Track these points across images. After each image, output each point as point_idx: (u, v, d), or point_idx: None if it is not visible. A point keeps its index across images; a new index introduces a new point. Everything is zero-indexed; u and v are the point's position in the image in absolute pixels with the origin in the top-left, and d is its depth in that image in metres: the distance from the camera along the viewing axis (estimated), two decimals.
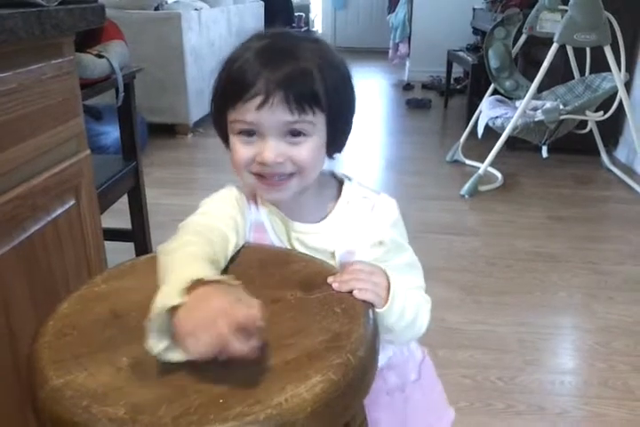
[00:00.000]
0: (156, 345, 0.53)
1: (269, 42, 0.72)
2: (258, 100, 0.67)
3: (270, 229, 0.79)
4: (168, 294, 0.55)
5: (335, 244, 0.76)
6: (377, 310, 0.67)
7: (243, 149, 0.72)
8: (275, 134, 0.70)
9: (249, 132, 0.71)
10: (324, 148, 0.74)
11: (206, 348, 0.51)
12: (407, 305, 0.72)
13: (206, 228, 0.71)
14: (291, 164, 0.71)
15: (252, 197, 0.80)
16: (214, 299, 0.54)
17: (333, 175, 0.82)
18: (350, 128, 0.78)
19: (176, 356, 0.53)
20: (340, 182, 0.81)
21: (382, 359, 0.85)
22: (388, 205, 0.78)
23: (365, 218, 0.76)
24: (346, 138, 0.78)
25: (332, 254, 0.76)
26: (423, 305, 0.77)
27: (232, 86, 0.70)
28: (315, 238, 0.77)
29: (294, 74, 0.68)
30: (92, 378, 0.53)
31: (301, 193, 0.76)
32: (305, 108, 0.68)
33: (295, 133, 0.70)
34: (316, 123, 0.71)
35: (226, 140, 0.76)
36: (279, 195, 0.74)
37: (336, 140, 0.76)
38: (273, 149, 0.70)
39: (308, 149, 0.71)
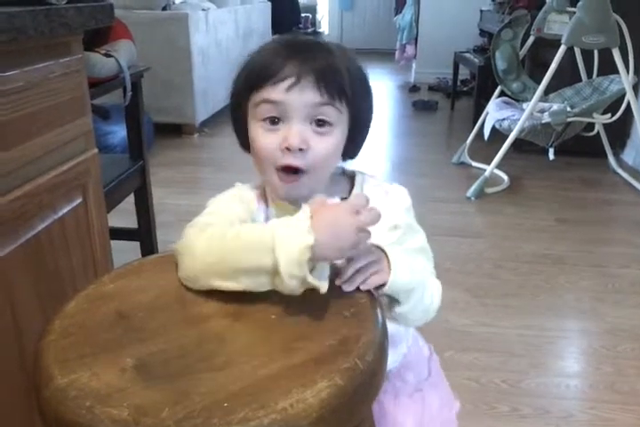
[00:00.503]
0: (319, 280, 0.59)
1: (294, 38, 0.74)
2: (288, 81, 0.68)
3: None
4: (297, 240, 0.58)
5: None
6: (385, 287, 0.66)
7: (266, 138, 0.71)
8: (301, 119, 0.69)
9: (273, 119, 0.70)
10: (342, 146, 0.74)
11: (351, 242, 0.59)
12: (413, 268, 0.70)
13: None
14: (310, 156, 0.70)
15: (262, 197, 0.79)
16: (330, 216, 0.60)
17: (343, 173, 0.82)
18: (367, 134, 0.78)
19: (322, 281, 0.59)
20: (351, 177, 0.81)
21: (398, 357, 0.86)
22: (401, 191, 0.79)
23: (380, 203, 0.74)
24: (362, 142, 0.78)
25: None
26: (430, 281, 0.76)
27: (259, 72, 0.70)
28: None
29: (326, 63, 0.69)
30: (96, 378, 0.53)
31: (315, 192, 0.75)
32: (333, 93, 0.69)
33: (320, 123, 0.70)
34: (343, 112, 0.71)
35: (242, 138, 0.76)
36: (296, 192, 0.73)
37: (355, 141, 0.76)
38: (298, 134, 0.69)
39: (332, 140, 0.71)
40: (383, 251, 0.68)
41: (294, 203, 0.77)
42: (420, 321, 0.76)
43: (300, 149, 0.69)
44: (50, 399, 0.52)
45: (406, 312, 0.71)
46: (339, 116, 0.71)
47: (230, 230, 0.64)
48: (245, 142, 0.77)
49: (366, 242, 0.64)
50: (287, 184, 0.72)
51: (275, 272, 0.60)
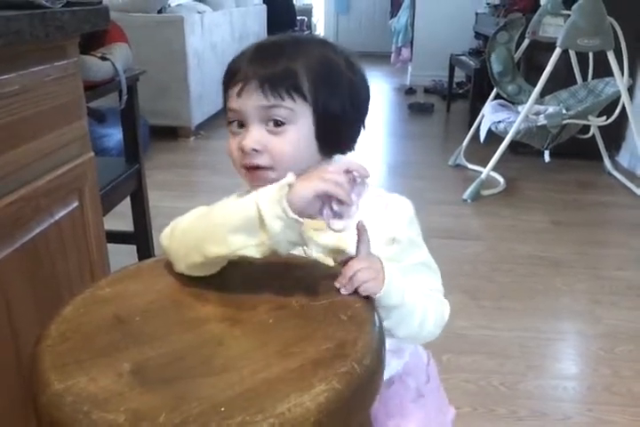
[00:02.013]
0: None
1: (269, 39, 0.76)
2: (238, 86, 0.72)
3: None
4: (274, 187, 0.61)
5: (348, 241, 0.75)
6: (377, 295, 0.66)
7: (231, 141, 0.75)
8: (255, 121, 0.72)
9: (238, 123, 0.74)
10: (309, 142, 0.74)
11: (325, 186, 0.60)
12: (408, 290, 0.70)
13: None
14: (268, 156, 0.72)
15: None
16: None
17: None
18: (352, 129, 0.78)
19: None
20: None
21: (399, 365, 0.85)
22: (402, 203, 0.78)
23: (379, 216, 0.76)
24: (341, 137, 0.78)
25: (345, 252, 0.75)
26: (430, 302, 0.75)
27: (224, 77, 0.75)
28: (327, 236, 0.75)
29: (276, 65, 0.71)
30: (93, 383, 0.53)
31: None
32: (282, 94, 0.71)
33: (276, 122, 0.72)
34: (297, 111, 0.72)
35: None
36: (262, 185, 0.73)
37: (327, 136, 0.75)
38: (252, 136, 0.72)
39: (288, 139, 0.73)
40: (381, 262, 0.68)
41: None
42: (408, 339, 0.75)
43: (256, 150, 0.72)
44: (47, 405, 0.52)
45: (391, 327, 0.71)
46: (293, 115, 0.72)
47: (216, 205, 0.67)
48: None
49: (368, 245, 0.66)
50: (254, 180, 0.74)
51: (260, 222, 0.60)
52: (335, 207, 0.63)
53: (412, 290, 0.72)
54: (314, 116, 0.73)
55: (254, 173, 0.74)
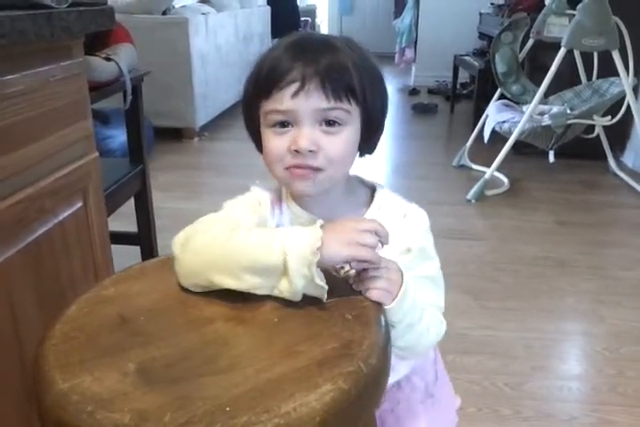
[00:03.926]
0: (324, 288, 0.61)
1: (301, 37, 0.73)
2: (294, 87, 0.67)
3: None
4: (306, 240, 0.60)
5: None
6: (385, 307, 0.65)
7: (276, 141, 0.71)
8: (310, 122, 0.69)
9: (283, 124, 0.70)
10: (357, 144, 0.73)
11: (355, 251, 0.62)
12: (417, 304, 0.70)
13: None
14: (322, 156, 0.69)
15: (278, 201, 0.79)
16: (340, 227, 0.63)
17: (362, 182, 0.81)
18: (382, 128, 0.77)
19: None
20: (371, 189, 0.80)
21: (407, 368, 0.84)
22: (420, 214, 0.78)
23: (397, 225, 0.75)
24: (378, 138, 0.77)
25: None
26: (432, 318, 0.74)
27: (266, 77, 0.69)
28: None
29: (331, 63, 0.68)
30: (97, 383, 0.52)
31: (332, 196, 0.75)
32: (341, 95, 0.68)
33: (330, 122, 0.69)
34: (352, 112, 0.70)
35: (257, 140, 0.76)
36: (309, 189, 0.72)
37: (370, 137, 0.75)
38: (307, 136, 0.69)
39: (343, 140, 0.70)
40: (402, 276, 0.68)
41: (309, 209, 0.76)
42: (405, 352, 0.74)
43: (311, 151, 0.69)
44: (51, 404, 0.52)
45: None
46: (348, 117, 0.70)
47: (240, 231, 0.65)
48: (260, 146, 0.76)
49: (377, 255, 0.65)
50: (300, 180, 0.71)
51: (282, 272, 0.60)
52: (356, 265, 0.65)
53: (419, 306, 0.71)
54: (362, 116, 0.72)
55: (300, 174, 0.71)
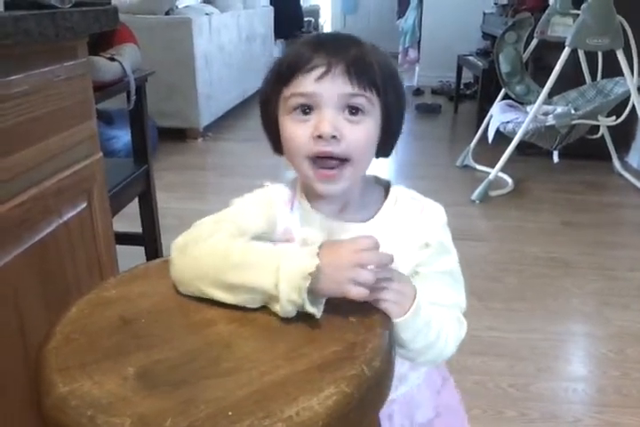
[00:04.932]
0: (317, 309, 0.60)
1: (324, 33, 0.73)
2: (319, 71, 0.66)
3: (298, 233, 0.75)
4: (300, 265, 0.59)
5: (380, 245, 0.73)
6: (394, 320, 0.64)
7: (297, 128, 0.68)
8: (332, 108, 0.67)
9: (304, 109, 0.68)
10: (377, 140, 0.72)
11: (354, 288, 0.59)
12: (431, 324, 0.68)
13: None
14: (345, 145, 0.67)
15: (290, 199, 0.77)
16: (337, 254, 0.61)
17: (377, 180, 0.80)
18: (400, 131, 0.75)
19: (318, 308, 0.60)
20: (386, 186, 0.79)
21: (418, 378, 0.82)
22: (437, 208, 0.76)
23: (414, 220, 0.74)
24: (395, 140, 0.76)
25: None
26: (451, 327, 0.72)
27: (290, 63, 0.68)
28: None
29: (356, 54, 0.67)
30: (97, 387, 0.52)
31: (346, 195, 0.74)
32: (365, 84, 0.67)
33: (353, 110, 0.68)
34: (374, 103, 0.69)
35: (273, 139, 0.74)
36: (334, 187, 0.70)
37: (388, 138, 0.73)
38: (330, 121, 0.66)
39: (365, 129, 0.69)
40: (415, 291, 0.66)
41: (321, 208, 0.75)
42: (421, 359, 0.73)
43: (333, 137, 0.67)
44: (51, 408, 0.51)
45: (403, 354, 0.70)
46: (371, 107, 0.69)
47: (237, 244, 0.64)
48: (277, 145, 0.74)
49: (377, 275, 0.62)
50: (323, 178, 0.69)
51: (274, 294, 0.60)
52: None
53: (436, 323, 0.69)
54: (382, 113, 0.70)
55: (326, 175, 0.69)
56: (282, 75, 0.69)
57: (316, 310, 0.60)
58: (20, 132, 0.91)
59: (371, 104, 0.68)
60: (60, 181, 1.02)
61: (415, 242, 0.73)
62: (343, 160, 0.68)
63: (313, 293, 0.60)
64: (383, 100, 0.69)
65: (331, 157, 0.68)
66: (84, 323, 0.62)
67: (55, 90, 0.99)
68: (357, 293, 0.59)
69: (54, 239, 1.00)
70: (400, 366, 0.76)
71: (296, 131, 0.68)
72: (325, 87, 0.66)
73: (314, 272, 0.58)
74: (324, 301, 0.61)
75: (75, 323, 0.62)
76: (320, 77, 0.66)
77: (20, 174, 0.91)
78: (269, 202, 0.76)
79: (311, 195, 0.75)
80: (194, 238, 0.67)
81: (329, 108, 0.67)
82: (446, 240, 0.76)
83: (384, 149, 0.75)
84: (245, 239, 0.67)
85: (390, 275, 0.64)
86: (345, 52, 0.67)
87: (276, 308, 0.61)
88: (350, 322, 0.61)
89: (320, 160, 0.68)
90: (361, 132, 0.68)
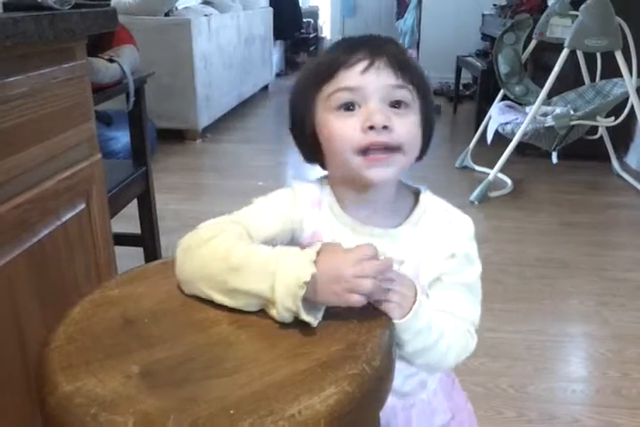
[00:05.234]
0: (313, 318, 0.59)
1: (358, 35, 0.73)
2: (363, 64, 0.66)
3: (328, 237, 0.73)
4: (296, 272, 0.58)
5: (406, 252, 0.72)
6: (395, 321, 0.64)
7: (344, 123, 0.67)
8: (378, 100, 0.66)
9: (348, 106, 0.67)
10: (420, 136, 0.71)
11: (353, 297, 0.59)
12: (432, 327, 0.68)
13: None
14: (396, 135, 0.66)
15: (318, 200, 0.75)
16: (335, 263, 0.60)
17: (406, 185, 0.79)
18: (432, 134, 0.74)
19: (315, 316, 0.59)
20: (416, 192, 0.78)
21: (433, 383, 0.81)
22: (465, 220, 0.76)
23: (442, 230, 0.74)
24: (429, 142, 0.75)
25: (401, 263, 0.71)
26: (457, 337, 0.72)
27: (330, 59, 0.68)
28: (385, 245, 0.68)
29: (397, 50, 0.68)
30: (101, 385, 0.52)
31: (378, 198, 0.73)
32: (407, 76, 0.67)
33: (396, 104, 0.67)
34: (415, 99, 0.69)
35: (305, 148, 0.73)
36: (384, 171, 0.68)
37: (424, 137, 0.72)
38: (380, 112, 0.66)
39: (411, 121, 0.68)
40: (415, 293, 0.66)
41: (351, 211, 0.73)
42: (419, 361, 0.72)
43: (385, 127, 0.65)
44: (55, 406, 0.52)
45: (407, 355, 0.70)
46: (413, 101, 0.68)
47: (239, 247, 0.63)
48: (310, 153, 0.74)
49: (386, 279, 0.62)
50: (375, 163, 0.67)
51: (270, 301, 0.59)
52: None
53: (437, 327, 0.69)
54: (420, 109, 0.70)
55: (377, 159, 0.67)
56: (322, 73, 0.68)
57: (313, 319, 0.59)
58: (19, 133, 0.91)
59: (412, 99, 0.68)
60: (59, 183, 1.02)
61: (442, 252, 0.73)
62: (395, 149, 0.67)
63: (310, 301, 0.59)
64: (421, 97, 0.70)
65: (382, 149, 0.67)
66: (87, 322, 0.62)
67: (54, 91, 0.99)
68: (356, 301, 0.59)
69: (53, 241, 1.00)
70: (419, 372, 0.77)
71: (343, 125, 0.67)
72: (370, 80, 0.66)
73: (310, 281, 0.57)
74: (323, 308, 0.61)
75: (78, 323, 0.62)
76: (365, 69, 0.66)
77: (19, 175, 0.91)
78: (294, 202, 0.74)
79: (340, 198, 0.74)
80: (199, 239, 0.66)
81: (374, 100, 0.66)
82: (472, 252, 0.76)
83: (424, 152, 0.75)
84: (248, 242, 0.66)
85: (391, 276, 0.64)
86: (385, 46, 0.68)
87: (273, 313, 0.60)
88: (351, 322, 0.61)
89: (372, 152, 0.67)
90: (408, 124, 0.68)
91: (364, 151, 0.67)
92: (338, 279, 0.59)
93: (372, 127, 0.65)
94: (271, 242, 0.69)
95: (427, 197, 0.77)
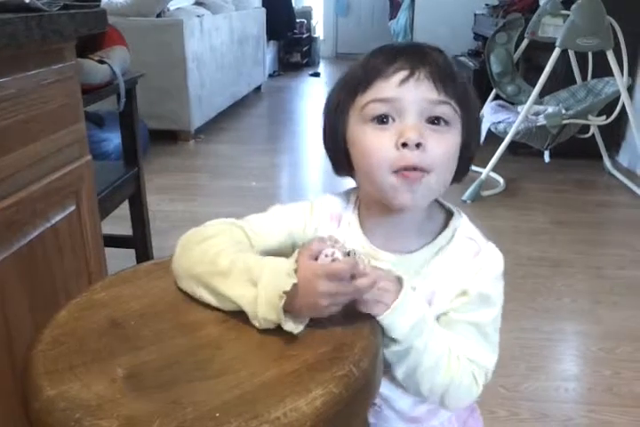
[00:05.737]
0: (295, 326, 0.57)
1: (400, 42, 0.69)
2: (402, 74, 0.61)
3: None
4: (276, 282, 0.57)
5: (421, 280, 0.67)
6: (378, 318, 0.61)
7: (377, 139, 0.62)
8: (415, 115, 0.61)
9: (383, 119, 0.62)
10: (458, 155, 0.65)
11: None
12: (429, 324, 0.63)
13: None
14: (430, 158, 0.61)
15: (338, 216, 0.72)
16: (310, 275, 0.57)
17: (440, 204, 0.73)
18: (474, 154, 0.68)
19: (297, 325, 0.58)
20: (448, 213, 0.72)
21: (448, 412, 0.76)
22: (495, 256, 0.69)
23: (463, 263, 0.67)
24: (470, 164, 0.69)
25: (413, 289, 0.65)
26: (459, 373, 0.66)
27: (368, 68, 0.64)
28: (399, 270, 0.65)
29: (440, 61, 0.63)
30: (86, 389, 0.52)
31: (405, 222, 0.68)
32: (450, 91, 0.62)
33: (435, 120, 0.62)
34: (457, 117, 0.63)
35: (339, 160, 0.69)
36: (410, 198, 0.63)
37: (463, 159, 0.66)
38: (415, 128, 0.61)
39: (449, 141, 0.63)
40: (401, 283, 0.62)
41: (373, 234, 0.70)
42: (410, 382, 0.66)
43: (418, 145, 0.60)
44: (39, 411, 0.51)
45: (398, 376, 0.66)
46: (454, 118, 0.63)
47: (227, 253, 0.62)
48: (342, 164, 0.69)
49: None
50: (406, 186, 0.62)
51: (253, 308, 0.58)
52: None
53: (439, 343, 0.65)
54: (461, 127, 0.64)
55: (409, 176, 0.62)
56: (357, 82, 0.64)
57: (294, 328, 0.57)
58: (8, 134, 0.91)
59: (454, 115, 0.63)
60: (49, 184, 1.01)
61: (455, 287, 0.67)
62: (425, 170, 0.62)
63: (291, 311, 0.57)
64: (464, 115, 0.64)
65: (413, 169, 0.62)
66: (74, 326, 0.62)
67: (43, 93, 0.99)
68: (332, 311, 0.58)
69: (42, 242, 1.00)
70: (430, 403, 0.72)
71: (377, 142, 0.62)
72: (408, 92, 0.61)
73: (289, 291, 0.55)
74: (306, 318, 0.59)
75: (64, 326, 0.62)
76: (403, 81, 0.61)
77: (8, 177, 0.91)
78: (310, 215, 0.72)
79: (368, 214, 0.71)
80: (198, 235, 0.66)
81: (411, 115, 0.62)
82: (494, 293, 0.69)
83: (458, 172, 0.67)
84: (240, 248, 0.64)
85: (366, 272, 0.59)
86: (429, 57, 0.63)
87: (254, 323, 0.59)
88: (339, 323, 0.61)
89: (403, 171, 0.62)
90: (445, 143, 0.62)
91: (396, 170, 0.62)
92: (312, 295, 0.57)
93: (404, 144, 0.61)
94: (273, 253, 0.67)
95: (457, 222, 0.71)
